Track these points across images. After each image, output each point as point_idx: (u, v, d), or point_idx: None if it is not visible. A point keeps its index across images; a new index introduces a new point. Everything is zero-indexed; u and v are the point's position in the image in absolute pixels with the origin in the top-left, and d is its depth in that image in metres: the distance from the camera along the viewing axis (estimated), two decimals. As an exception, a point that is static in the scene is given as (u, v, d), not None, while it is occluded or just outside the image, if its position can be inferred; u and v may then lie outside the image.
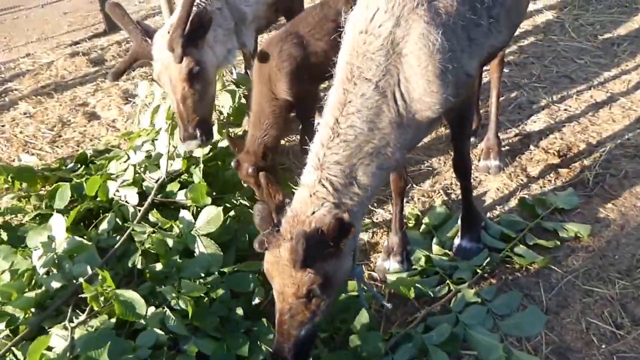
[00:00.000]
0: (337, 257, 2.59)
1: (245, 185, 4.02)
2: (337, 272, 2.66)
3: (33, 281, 3.34)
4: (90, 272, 3.27)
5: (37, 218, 3.96)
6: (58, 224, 3.60)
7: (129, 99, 5.78)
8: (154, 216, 3.73)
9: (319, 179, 2.62)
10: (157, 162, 4.18)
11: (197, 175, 3.98)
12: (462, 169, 3.55)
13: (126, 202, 3.91)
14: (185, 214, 3.65)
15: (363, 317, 3.11)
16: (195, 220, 3.57)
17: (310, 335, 2.68)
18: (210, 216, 3.54)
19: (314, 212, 2.57)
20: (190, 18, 3.56)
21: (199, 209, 3.66)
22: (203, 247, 3.45)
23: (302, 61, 3.88)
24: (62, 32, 7.44)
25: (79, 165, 4.63)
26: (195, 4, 3.68)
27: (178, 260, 3.44)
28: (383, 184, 2.91)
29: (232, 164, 3.76)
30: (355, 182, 2.66)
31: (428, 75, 2.72)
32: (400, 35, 2.70)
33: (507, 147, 4.52)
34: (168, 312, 2.98)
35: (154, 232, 3.53)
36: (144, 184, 4.07)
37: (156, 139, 4.34)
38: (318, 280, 2.54)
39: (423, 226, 3.86)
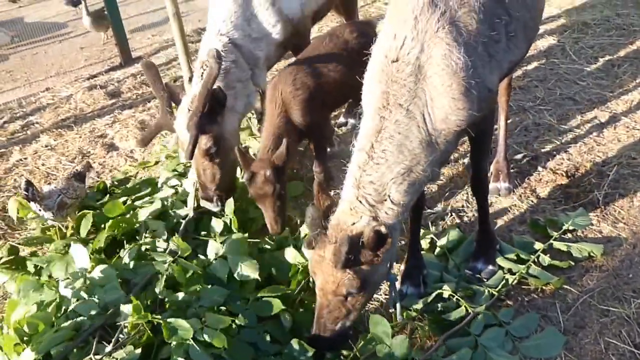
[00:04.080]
0: (375, 264, 2.79)
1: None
2: (374, 277, 2.87)
3: (61, 312, 3.26)
4: (118, 301, 3.23)
5: (63, 248, 3.90)
6: (80, 254, 3.57)
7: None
8: (174, 242, 3.68)
9: (356, 196, 2.81)
10: (184, 199, 4.20)
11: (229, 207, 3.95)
12: (480, 188, 3.52)
13: (152, 236, 3.87)
14: (212, 242, 3.69)
15: (381, 323, 3.06)
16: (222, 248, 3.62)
17: (344, 330, 2.91)
18: (237, 242, 3.60)
19: (354, 223, 2.78)
20: (207, 101, 3.70)
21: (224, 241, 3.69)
22: (231, 268, 3.47)
23: (315, 90, 3.87)
24: (80, 66, 7.45)
25: (100, 196, 4.60)
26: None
27: (199, 288, 3.38)
28: (416, 197, 3.00)
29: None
30: (389, 199, 2.82)
31: (453, 93, 2.79)
32: (425, 60, 2.79)
33: (515, 169, 4.46)
34: (192, 343, 2.90)
35: (174, 261, 3.50)
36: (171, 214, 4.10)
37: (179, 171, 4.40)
38: (356, 283, 2.77)
39: (437, 249, 3.79)
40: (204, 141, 3.81)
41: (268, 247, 3.83)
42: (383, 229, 2.70)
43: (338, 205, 2.90)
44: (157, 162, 5.02)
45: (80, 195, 4.31)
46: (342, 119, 5.19)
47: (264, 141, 3.80)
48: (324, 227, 2.81)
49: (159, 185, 4.45)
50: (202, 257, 3.67)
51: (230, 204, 3.93)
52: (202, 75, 3.94)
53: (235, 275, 3.47)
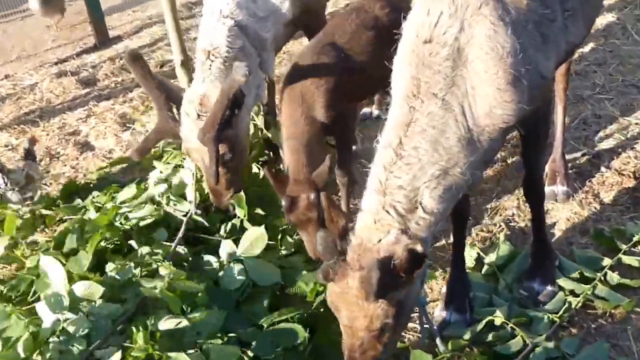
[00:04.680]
0: (409, 285, 2.71)
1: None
2: (409, 300, 2.80)
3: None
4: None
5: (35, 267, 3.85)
6: (53, 270, 3.56)
7: (128, 125, 5.74)
8: (165, 268, 3.64)
9: (382, 204, 2.72)
10: (182, 193, 4.27)
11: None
12: (534, 193, 3.50)
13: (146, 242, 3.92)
14: (226, 243, 3.75)
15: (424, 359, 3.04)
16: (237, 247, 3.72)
17: None
18: (254, 237, 3.68)
19: (380, 240, 2.68)
20: (226, 110, 3.73)
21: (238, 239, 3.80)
22: (250, 270, 3.57)
23: (341, 77, 3.84)
24: (46, 48, 7.43)
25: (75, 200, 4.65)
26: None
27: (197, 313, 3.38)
28: (452, 205, 2.94)
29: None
30: (420, 207, 2.74)
31: (499, 82, 2.75)
32: (465, 41, 2.74)
33: (574, 170, 4.45)
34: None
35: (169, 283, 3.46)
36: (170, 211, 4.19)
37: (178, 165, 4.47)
38: (392, 312, 2.67)
39: (485, 267, 3.78)
40: (220, 150, 3.80)
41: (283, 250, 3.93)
42: (419, 248, 2.65)
43: (357, 219, 2.82)
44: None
45: (39, 173, 4.58)
46: (366, 110, 5.18)
47: (293, 155, 3.75)
48: (341, 251, 2.71)
49: (150, 182, 4.51)
50: (209, 257, 3.76)
51: (240, 198, 3.99)
52: (210, 68, 3.96)
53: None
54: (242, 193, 4.04)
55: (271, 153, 4.60)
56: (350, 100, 4.00)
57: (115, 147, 5.51)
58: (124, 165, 5.11)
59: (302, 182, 3.61)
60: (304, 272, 3.72)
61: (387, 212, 2.72)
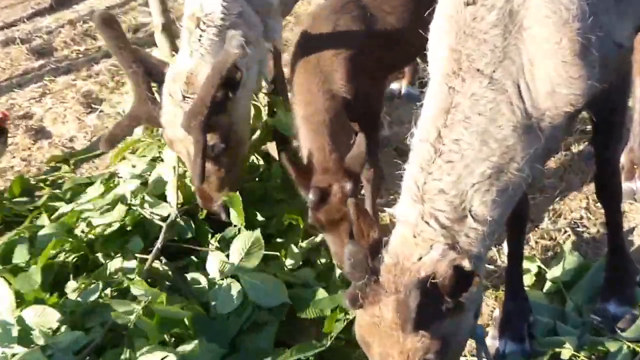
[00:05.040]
0: (457, 314, 2.66)
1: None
2: (458, 334, 2.75)
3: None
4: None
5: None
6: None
7: (93, 105, 5.73)
8: (140, 287, 3.68)
9: (421, 214, 2.68)
10: (159, 192, 4.31)
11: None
12: (608, 191, 3.48)
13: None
14: (214, 256, 3.82)
15: None
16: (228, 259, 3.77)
17: None
18: (248, 243, 3.72)
19: (420, 258, 2.64)
20: (217, 92, 3.75)
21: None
22: (249, 288, 3.57)
23: (367, 44, 3.83)
24: (-12, 10, 7.45)
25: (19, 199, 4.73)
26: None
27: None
28: (511, 209, 2.89)
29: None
30: (470, 215, 2.69)
31: (563, 54, 2.68)
32: (519, 2, 2.68)
33: (656, 161, 4.44)
34: None
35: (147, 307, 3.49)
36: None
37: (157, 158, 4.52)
38: (435, 347, 2.60)
39: (548, 284, 3.77)
40: (208, 140, 3.82)
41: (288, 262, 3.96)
42: (466, 264, 2.61)
43: (392, 232, 2.78)
44: (102, 153, 5.11)
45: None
46: (394, 85, 5.20)
47: (314, 138, 3.72)
48: (373, 270, 2.67)
49: (121, 178, 4.58)
50: (196, 274, 3.78)
51: (234, 199, 4.00)
52: (200, 39, 3.93)
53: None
54: (237, 193, 4.04)
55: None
56: (377, 73, 3.98)
57: (77, 133, 5.51)
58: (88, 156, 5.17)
59: (332, 170, 3.60)
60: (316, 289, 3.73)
61: (427, 223, 2.68)
